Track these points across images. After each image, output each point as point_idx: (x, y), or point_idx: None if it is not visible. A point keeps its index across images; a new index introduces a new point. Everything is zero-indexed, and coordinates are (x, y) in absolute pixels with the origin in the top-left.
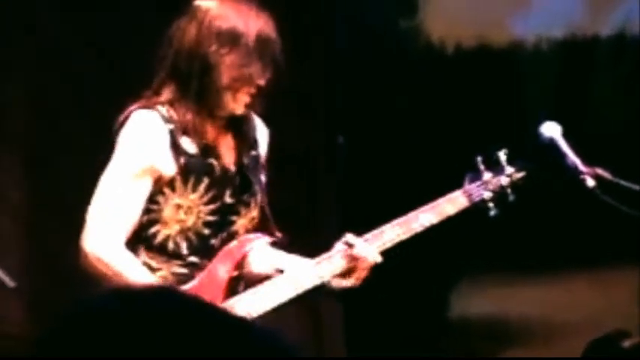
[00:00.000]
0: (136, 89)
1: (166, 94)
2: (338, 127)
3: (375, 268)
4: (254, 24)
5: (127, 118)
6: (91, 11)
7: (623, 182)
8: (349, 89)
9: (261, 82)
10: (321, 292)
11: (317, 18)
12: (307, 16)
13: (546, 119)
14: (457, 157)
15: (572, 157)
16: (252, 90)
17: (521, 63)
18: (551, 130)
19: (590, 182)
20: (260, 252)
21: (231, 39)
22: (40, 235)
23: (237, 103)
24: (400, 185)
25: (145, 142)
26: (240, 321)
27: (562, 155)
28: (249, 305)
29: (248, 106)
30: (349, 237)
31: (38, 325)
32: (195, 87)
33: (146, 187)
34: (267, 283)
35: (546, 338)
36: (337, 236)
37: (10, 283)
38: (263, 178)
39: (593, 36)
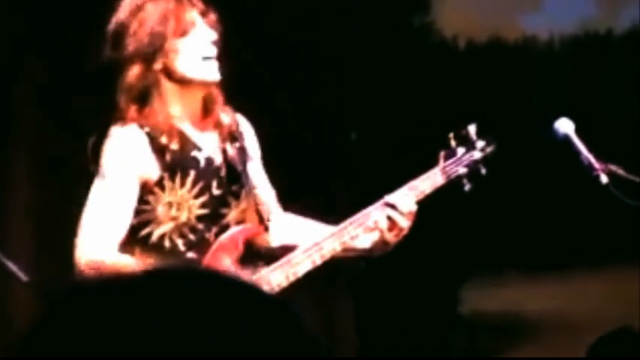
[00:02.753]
0: None
1: (131, 104)
2: (350, 124)
3: (386, 264)
4: None
5: (103, 133)
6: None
7: (636, 178)
8: (362, 85)
9: (184, 39)
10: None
11: (330, 16)
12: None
13: (559, 116)
14: None
15: (586, 153)
16: (194, 50)
17: (533, 60)
18: (564, 126)
19: (604, 178)
20: (282, 225)
21: (136, 7)
22: (51, 230)
23: (193, 69)
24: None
25: (124, 154)
26: (269, 297)
27: (576, 151)
28: (269, 280)
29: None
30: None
31: None
32: (136, 83)
33: (133, 194)
34: (295, 252)
35: (558, 335)
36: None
37: (23, 277)
38: (251, 170)
39: (606, 32)
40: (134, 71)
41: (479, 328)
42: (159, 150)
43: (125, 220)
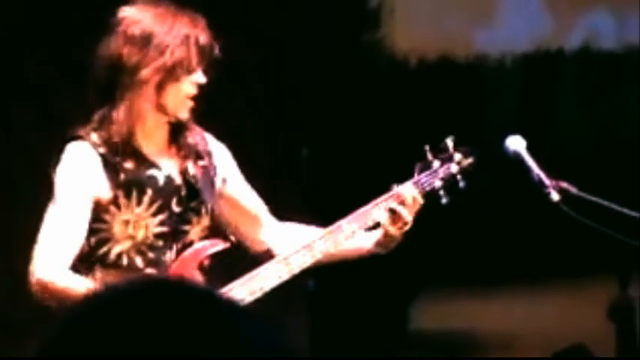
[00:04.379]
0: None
1: (97, 116)
2: (302, 140)
3: (338, 281)
4: (170, 22)
5: (60, 152)
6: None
7: (587, 196)
8: (313, 102)
9: (188, 79)
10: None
11: (282, 30)
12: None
13: (510, 133)
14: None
15: (537, 170)
16: (187, 90)
17: (484, 78)
18: (515, 143)
19: (555, 196)
20: (277, 233)
21: (143, 38)
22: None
23: (175, 106)
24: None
25: (76, 174)
26: (235, 311)
27: (527, 169)
28: (243, 291)
29: (192, 110)
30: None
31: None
32: (120, 94)
33: (85, 212)
34: (261, 267)
35: (507, 352)
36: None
37: None
38: (215, 187)
39: (557, 50)
40: (143, 103)
41: (429, 346)
42: (112, 169)
43: (77, 239)
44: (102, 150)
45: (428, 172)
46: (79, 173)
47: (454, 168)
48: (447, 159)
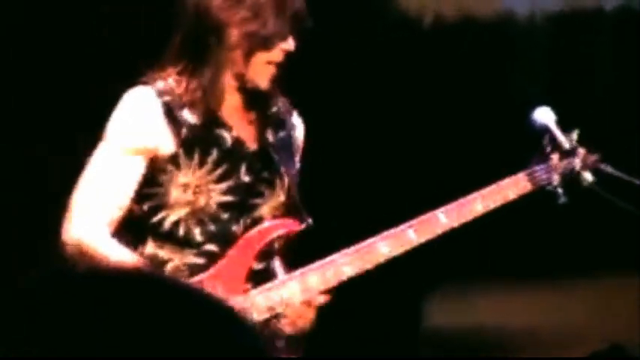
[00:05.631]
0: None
1: (174, 66)
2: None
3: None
4: None
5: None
6: None
7: (625, 176)
8: (320, 62)
9: (279, 46)
10: None
11: None
12: None
13: (539, 104)
14: (436, 141)
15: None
16: (275, 58)
17: (510, 39)
18: (544, 116)
19: (588, 176)
20: None
21: None
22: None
23: (257, 73)
24: (365, 169)
25: (134, 120)
26: (221, 314)
27: (556, 145)
28: (273, 298)
29: (274, 80)
30: None
31: None
32: (204, 50)
33: (136, 168)
34: (338, 254)
35: (531, 352)
36: None
37: None
38: (295, 162)
39: (595, 9)
40: (225, 65)
41: (446, 343)
42: (175, 122)
43: (123, 196)
44: (167, 98)
45: (544, 165)
46: (137, 120)
47: (576, 163)
48: (569, 153)
